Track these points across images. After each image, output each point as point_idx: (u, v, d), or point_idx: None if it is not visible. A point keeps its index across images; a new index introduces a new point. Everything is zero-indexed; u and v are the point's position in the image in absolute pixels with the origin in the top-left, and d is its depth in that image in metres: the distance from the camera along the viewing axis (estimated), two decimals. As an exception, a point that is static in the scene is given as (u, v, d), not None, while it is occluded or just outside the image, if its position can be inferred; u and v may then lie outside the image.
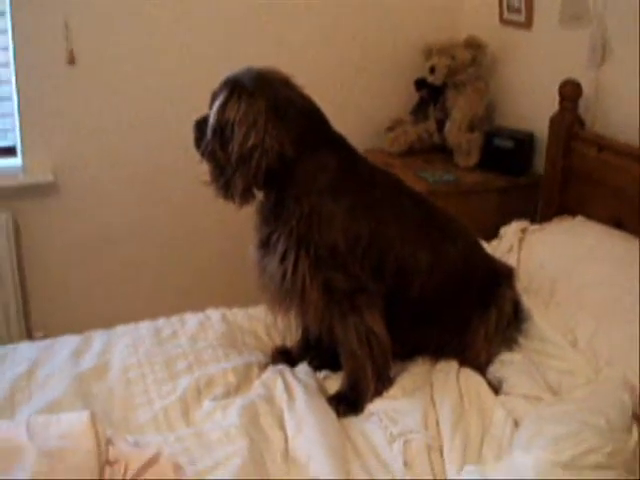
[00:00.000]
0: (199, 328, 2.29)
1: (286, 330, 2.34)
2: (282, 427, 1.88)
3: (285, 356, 2.20)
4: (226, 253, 3.16)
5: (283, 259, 1.93)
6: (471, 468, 1.71)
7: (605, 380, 1.95)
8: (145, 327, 2.29)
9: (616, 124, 2.64)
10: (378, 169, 2.09)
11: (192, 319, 2.34)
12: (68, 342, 2.22)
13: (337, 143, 1.99)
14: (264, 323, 2.37)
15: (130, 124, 2.98)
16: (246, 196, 1.95)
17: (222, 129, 1.89)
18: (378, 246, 1.97)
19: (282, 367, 2.13)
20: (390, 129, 3.21)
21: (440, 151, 3.18)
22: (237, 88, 1.89)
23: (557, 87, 2.74)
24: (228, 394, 2.00)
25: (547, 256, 2.41)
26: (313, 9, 3.09)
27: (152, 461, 1.60)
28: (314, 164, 1.93)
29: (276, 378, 2.06)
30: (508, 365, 2.10)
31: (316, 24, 3.11)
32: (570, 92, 2.68)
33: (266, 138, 1.85)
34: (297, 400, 1.96)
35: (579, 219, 2.61)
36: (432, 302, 2.07)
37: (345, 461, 1.76)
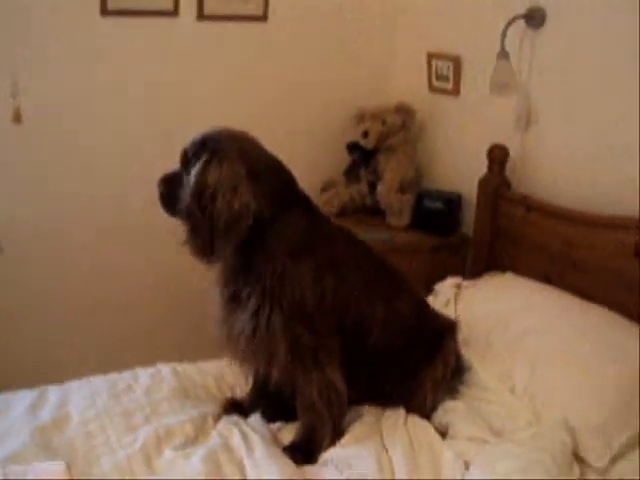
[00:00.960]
0: (152, 382, 2.30)
1: (235, 383, 2.39)
2: (243, 475, 1.90)
3: (237, 408, 2.24)
4: (175, 309, 3.19)
5: (255, 314, 1.97)
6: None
7: (546, 422, 2.03)
8: (99, 381, 2.29)
9: (541, 185, 2.81)
10: (339, 227, 2.20)
11: (144, 373, 2.35)
12: (22, 396, 2.19)
13: (304, 202, 2.09)
14: (214, 377, 2.41)
15: (77, 184, 2.97)
16: (225, 256, 1.98)
17: (201, 193, 1.91)
18: (341, 302, 2.05)
19: (236, 418, 2.17)
20: (324, 190, 3.30)
21: (371, 212, 3.28)
22: (217, 152, 1.93)
23: (484, 151, 2.90)
24: (187, 444, 2.02)
25: (482, 309, 2.52)
26: (247, 73, 3.19)
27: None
28: (286, 224, 2.00)
29: (232, 428, 2.09)
30: (452, 412, 2.18)
31: (250, 87, 3.20)
32: (498, 155, 2.85)
33: (250, 203, 1.90)
34: (255, 449, 1.99)
35: (509, 275, 2.73)
36: (384, 354, 2.15)
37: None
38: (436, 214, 3.10)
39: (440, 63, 3.17)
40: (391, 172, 3.19)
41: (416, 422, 2.15)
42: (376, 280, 2.15)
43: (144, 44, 2.95)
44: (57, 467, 1.63)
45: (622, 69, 2.49)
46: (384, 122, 3.19)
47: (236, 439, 2.03)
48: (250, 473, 1.89)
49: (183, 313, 3.19)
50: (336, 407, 2.07)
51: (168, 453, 1.97)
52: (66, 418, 2.09)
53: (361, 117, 3.27)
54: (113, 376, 2.34)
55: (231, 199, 1.89)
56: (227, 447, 2.00)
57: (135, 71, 2.97)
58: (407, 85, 3.40)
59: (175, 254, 2.90)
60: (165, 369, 2.39)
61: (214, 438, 2.05)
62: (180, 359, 2.47)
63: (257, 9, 3.10)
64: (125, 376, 2.35)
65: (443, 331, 2.27)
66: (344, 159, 3.40)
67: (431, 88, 3.26)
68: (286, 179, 2.06)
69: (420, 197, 3.12)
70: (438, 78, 3.20)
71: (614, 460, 1.99)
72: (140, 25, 2.90)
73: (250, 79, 3.19)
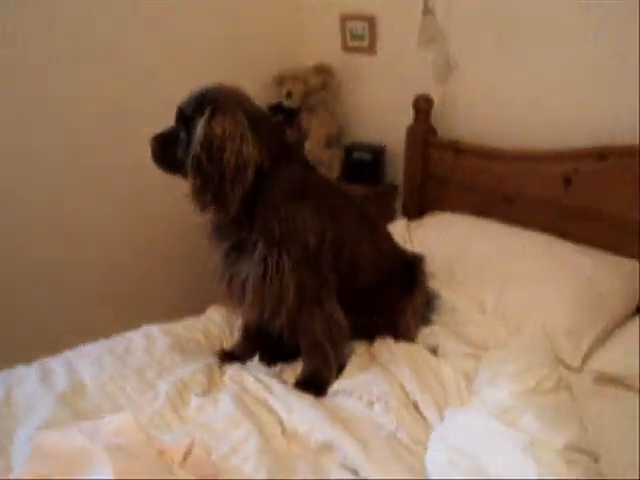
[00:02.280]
0: (147, 342, 2.35)
1: (221, 336, 2.49)
2: (271, 411, 2.01)
3: (230, 357, 2.34)
4: (155, 274, 3.35)
5: (264, 259, 2.08)
6: (452, 410, 1.95)
7: (526, 332, 2.30)
8: (96, 348, 2.30)
9: (466, 130, 3.07)
10: (325, 177, 2.36)
11: (135, 336, 2.39)
12: (26, 371, 2.18)
13: (295, 153, 2.22)
14: (201, 331, 2.48)
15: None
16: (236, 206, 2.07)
17: (210, 144, 1.99)
18: (337, 241, 2.20)
19: (239, 365, 2.26)
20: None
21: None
22: (219, 104, 2.02)
23: (405, 103, 3.13)
24: (206, 392, 2.09)
25: (437, 244, 2.75)
26: (171, 46, 3.23)
27: (189, 450, 1.67)
28: (285, 173, 2.12)
29: (242, 374, 2.19)
30: (433, 335, 2.39)
31: (171, 57, 3.24)
32: (423, 105, 3.08)
33: (254, 151, 2.01)
34: (273, 388, 2.10)
35: (447, 214, 2.98)
36: (371, 290, 2.32)
37: (345, 425, 1.91)
38: (364, 165, 3.30)
39: (354, 24, 3.34)
40: (316, 129, 3.34)
41: (406, 346, 2.33)
42: (361, 223, 2.33)
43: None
44: (127, 417, 1.68)
45: (532, 18, 2.79)
46: (306, 82, 3.34)
47: (250, 382, 2.14)
48: (279, 409, 2.01)
49: (162, 277, 3.31)
50: (339, 341, 2.23)
51: (195, 401, 2.05)
52: (81, 384, 2.11)
53: (281, 79, 3.40)
54: (106, 342, 2.36)
55: (239, 148, 1.99)
56: (246, 390, 2.10)
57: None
58: (321, 46, 3.55)
59: (156, 220, 3.01)
60: (153, 329, 2.44)
61: (229, 384, 2.15)
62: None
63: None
64: (118, 340, 2.37)
65: (414, 264, 2.47)
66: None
67: (345, 48, 3.44)
68: (277, 130, 2.19)
69: (348, 150, 3.31)
70: (353, 38, 3.37)
71: (586, 358, 2.26)
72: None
73: (175, 49, 3.23)
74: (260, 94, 3.32)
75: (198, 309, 2.66)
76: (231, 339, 2.48)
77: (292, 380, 2.22)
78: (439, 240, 2.77)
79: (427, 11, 2.84)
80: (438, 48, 2.88)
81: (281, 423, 1.97)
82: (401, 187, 3.28)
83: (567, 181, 2.72)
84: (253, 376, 2.18)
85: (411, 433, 1.93)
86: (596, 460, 1.75)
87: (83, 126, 2.99)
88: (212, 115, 2.00)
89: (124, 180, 3.15)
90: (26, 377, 2.14)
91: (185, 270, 3.39)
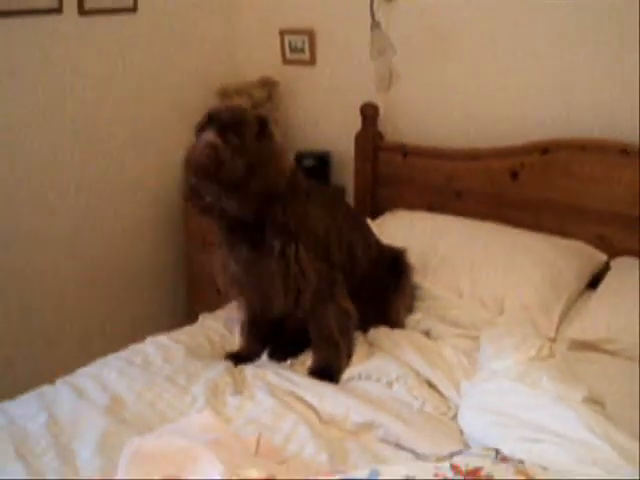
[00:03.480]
0: (163, 351, 2.44)
1: (222, 340, 2.61)
2: (302, 400, 2.17)
3: (239, 358, 2.47)
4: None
5: (283, 254, 2.24)
6: (466, 383, 2.18)
7: (508, 312, 2.56)
8: (112, 361, 2.37)
9: (410, 133, 3.32)
10: (321, 186, 2.60)
11: (146, 347, 2.48)
12: (54, 389, 2.23)
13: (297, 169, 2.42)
14: (205, 337, 2.59)
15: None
16: None
17: (259, 157, 2.16)
18: (339, 235, 2.40)
19: (254, 364, 2.40)
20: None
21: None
22: (261, 122, 2.23)
23: (347, 111, 3.36)
24: (237, 391, 2.22)
25: (404, 240, 2.94)
26: (118, 64, 3.32)
27: (258, 441, 1.82)
28: (295, 183, 2.31)
29: (261, 371, 2.33)
30: (422, 321, 2.61)
31: (119, 76, 3.34)
32: (369, 112, 3.31)
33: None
34: (295, 380, 2.26)
35: (406, 212, 3.22)
36: (366, 282, 2.52)
37: (376, 405, 2.11)
38: (311, 170, 3.48)
39: (293, 37, 3.53)
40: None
41: (402, 332, 2.54)
42: (351, 219, 2.55)
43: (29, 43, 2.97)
44: (208, 414, 1.80)
45: (468, 27, 3.10)
46: (250, 96, 3.48)
47: (273, 378, 2.28)
48: (309, 398, 2.17)
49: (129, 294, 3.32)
50: (350, 331, 2.43)
51: (232, 400, 2.17)
52: (119, 396, 2.17)
53: (224, 93, 3.52)
54: (117, 356, 2.43)
55: (285, 163, 2.24)
56: (271, 384, 2.24)
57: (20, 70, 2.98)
58: (260, 60, 3.71)
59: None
60: (161, 339, 2.52)
61: (255, 382, 2.28)
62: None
63: (128, 1, 3.22)
64: (128, 353, 2.44)
65: (397, 257, 2.69)
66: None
67: (285, 61, 3.61)
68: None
69: (298, 157, 3.48)
70: (292, 51, 3.55)
71: (559, 328, 2.56)
72: (23, 25, 2.91)
73: (119, 69, 3.32)
74: (203, 109, 3.46)
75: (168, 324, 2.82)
76: (233, 342, 2.59)
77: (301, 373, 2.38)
78: (406, 235, 2.98)
79: (375, 25, 3.06)
80: (388, 59, 3.08)
81: (315, 410, 2.13)
82: (348, 188, 3.47)
83: (514, 175, 3.01)
84: (272, 372, 2.31)
85: (435, 406, 2.14)
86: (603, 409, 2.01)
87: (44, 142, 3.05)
88: (261, 132, 2.19)
89: (82, 196, 3.23)
90: (59, 396, 2.18)
91: (154, 285, 3.47)
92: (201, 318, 2.77)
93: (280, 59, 3.63)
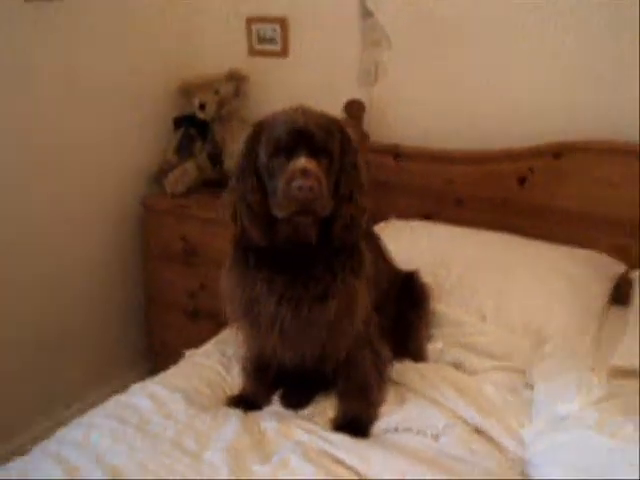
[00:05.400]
0: (158, 404, 2.05)
1: (221, 381, 2.25)
2: (341, 464, 1.83)
3: (244, 403, 2.11)
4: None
5: (340, 295, 1.90)
6: (529, 432, 1.90)
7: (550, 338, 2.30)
8: (98, 421, 1.98)
9: (400, 133, 3.01)
10: None
11: (136, 399, 2.08)
12: (33, 463, 1.83)
13: None
14: (199, 379, 2.22)
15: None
16: None
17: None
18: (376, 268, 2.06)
19: (270, 413, 2.07)
20: (162, 172, 3.11)
21: (217, 185, 3.18)
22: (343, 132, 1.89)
23: (326, 107, 2.99)
24: (265, 456, 1.86)
25: (407, 256, 2.64)
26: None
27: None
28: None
29: (284, 427, 1.97)
30: (445, 352, 2.32)
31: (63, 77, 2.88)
32: (355, 109, 2.97)
33: None
34: (328, 438, 1.92)
35: (399, 222, 2.90)
36: (382, 311, 2.18)
37: (433, 468, 1.80)
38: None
39: (262, 26, 3.14)
40: (233, 142, 3.11)
41: (432, 367, 2.23)
42: (375, 242, 2.21)
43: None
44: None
45: (468, 18, 2.81)
46: (217, 92, 3.10)
47: (301, 435, 1.92)
48: (350, 461, 1.83)
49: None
50: (385, 378, 2.11)
51: (260, 469, 1.82)
52: (119, 472, 1.77)
53: (187, 90, 3.14)
54: (107, 411, 2.04)
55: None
56: (301, 445, 1.89)
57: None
58: (222, 52, 3.32)
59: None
60: (151, 387, 2.15)
61: (279, 440, 1.93)
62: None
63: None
64: (117, 407, 2.05)
65: (412, 278, 2.38)
66: (167, 137, 3.23)
67: (252, 52, 3.23)
68: None
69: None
70: (261, 41, 3.17)
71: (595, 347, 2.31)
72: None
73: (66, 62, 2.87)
74: (163, 107, 3.06)
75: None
76: (233, 383, 2.23)
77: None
78: (409, 250, 2.66)
79: (367, 14, 2.73)
80: (381, 52, 2.75)
81: (361, 476, 1.79)
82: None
83: (521, 180, 2.75)
84: (296, 426, 1.97)
85: (498, 462, 1.85)
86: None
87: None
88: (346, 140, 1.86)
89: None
90: (39, 473, 1.77)
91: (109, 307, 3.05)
92: (188, 355, 2.37)
93: (245, 50, 3.21)
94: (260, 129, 1.86)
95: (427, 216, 2.90)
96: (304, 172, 1.73)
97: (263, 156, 1.83)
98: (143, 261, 3.21)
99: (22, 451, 2.44)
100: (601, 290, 2.53)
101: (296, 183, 1.72)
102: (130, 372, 3.30)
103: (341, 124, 1.89)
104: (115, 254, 3.14)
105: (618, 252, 2.65)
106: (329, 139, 1.81)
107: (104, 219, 3.08)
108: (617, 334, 2.39)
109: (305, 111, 1.86)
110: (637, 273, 2.60)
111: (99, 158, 2.99)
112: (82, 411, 2.84)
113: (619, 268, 2.64)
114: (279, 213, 1.80)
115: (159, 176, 3.13)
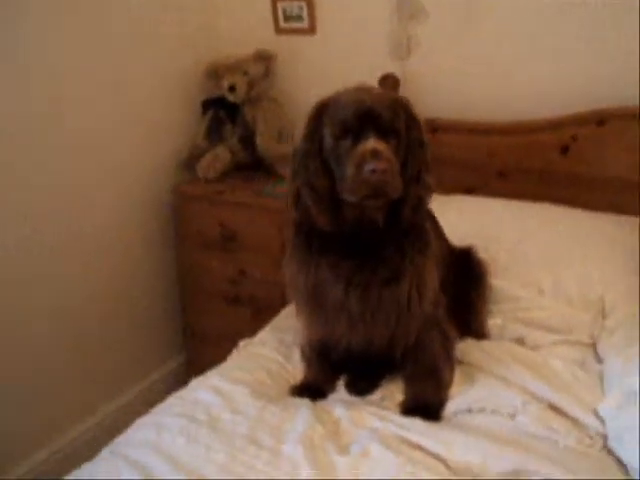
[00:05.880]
0: (224, 398, 2.00)
1: (281, 369, 2.22)
2: (422, 449, 1.79)
3: (309, 391, 2.07)
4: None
5: (414, 279, 1.87)
6: (607, 408, 1.86)
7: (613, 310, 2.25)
8: (167, 420, 1.92)
9: (435, 107, 2.94)
10: None
11: (201, 395, 2.03)
12: (107, 468, 1.78)
13: None
14: (259, 369, 2.18)
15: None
16: None
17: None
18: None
19: (340, 401, 2.03)
20: (194, 158, 3.06)
21: (250, 168, 3.14)
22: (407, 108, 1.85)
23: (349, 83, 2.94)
24: (343, 446, 1.82)
25: (455, 231, 2.58)
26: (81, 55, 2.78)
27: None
28: None
29: (356, 414, 1.93)
30: (505, 327, 2.28)
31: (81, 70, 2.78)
32: (390, 84, 2.90)
33: None
34: (402, 423, 1.87)
35: (440, 196, 2.83)
36: (451, 293, 2.15)
37: (513, 447, 1.76)
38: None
39: (288, 4, 3.07)
40: (264, 123, 3.07)
41: (495, 344, 2.20)
42: (435, 223, 2.17)
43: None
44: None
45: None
46: (246, 73, 3.03)
47: (373, 421, 1.88)
48: (432, 446, 1.79)
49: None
50: (453, 359, 2.07)
51: (340, 459, 1.77)
52: (200, 474, 1.74)
53: (214, 72, 3.07)
54: (172, 409, 1.98)
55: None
56: (378, 432, 1.85)
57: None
58: (246, 31, 3.24)
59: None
60: (214, 381, 2.09)
61: (353, 429, 1.88)
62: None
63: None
64: (180, 405, 2.00)
65: (468, 255, 2.34)
66: (195, 121, 3.17)
67: (278, 30, 3.15)
68: None
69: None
70: (287, 19, 3.10)
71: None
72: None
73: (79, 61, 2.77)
74: (191, 91, 3.00)
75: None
76: (293, 371, 2.20)
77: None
78: (456, 226, 2.58)
79: (401, -15, 2.65)
80: (420, 24, 2.68)
81: (442, 460, 1.75)
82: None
83: (564, 149, 2.70)
84: (369, 413, 1.93)
85: (579, 439, 1.82)
86: None
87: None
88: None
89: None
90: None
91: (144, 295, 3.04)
92: (241, 345, 2.33)
93: (272, 29, 3.13)
94: (323, 110, 1.80)
95: (469, 190, 2.85)
96: (375, 154, 1.68)
97: (328, 138, 1.78)
98: (177, 249, 3.14)
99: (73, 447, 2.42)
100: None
101: (368, 166, 1.67)
102: (166, 363, 3.27)
103: (405, 102, 1.83)
104: (148, 243, 3.08)
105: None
106: (396, 118, 1.76)
107: (135, 207, 3.01)
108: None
109: (369, 90, 1.81)
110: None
111: (127, 145, 2.91)
112: (125, 406, 2.88)
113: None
114: (349, 197, 1.74)
115: (190, 162, 3.07)
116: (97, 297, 2.89)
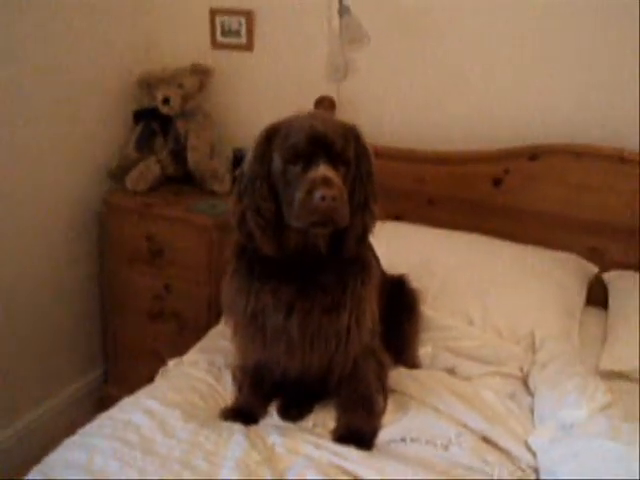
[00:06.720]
0: (155, 420, 1.93)
1: (214, 392, 2.16)
2: (355, 476, 1.78)
3: (240, 415, 2.02)
4: None
5: (353, 306, 1.85)
6: (537, 440, 1.89)
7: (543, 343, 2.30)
8: (98, 441, 1.84)
9: (370, 132, 2.94)
10: None
11: (131, 415, 1.95)
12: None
13: None
14: (190, 391, 2.12)
15: None
16: None
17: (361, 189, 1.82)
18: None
19: (271, 426, 1.99)
20: (121, 168, 2.98)
21: (178, 182, 3.09)
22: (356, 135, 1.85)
23: (291, 103, 2.92)
24: (279, 473, 1.78)
25: (386, 257, 2.60)
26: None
27: None
28: None
29: (290, 441, 1.89)
30: (436, 357, 2.30)
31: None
32: (327, 106, 2.90)
33: None
34: (337, 451, 1.85)
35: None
36: (386, 321, 2.15)
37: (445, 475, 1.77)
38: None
39: (227, 19, 3.04)
40: (197, 138, 3.01)
41: (427, 373, 2.20)
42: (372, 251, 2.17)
43: None
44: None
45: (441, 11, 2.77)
46: (181, 85, 2.98)
47: (308, 449, 1.85)
48: (366, 475, 1.78)
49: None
50: (386, 387, 2.07)
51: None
52: None
53: (147, 82, 3.00)
54: (103, 431, 1.90)
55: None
56: (313, 460, 1.82)
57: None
58: (181, 44, 3.18)
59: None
60: (144, 402, 2.02)
61: (289, 456, 1.84)
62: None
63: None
64: (117, 427, 1.91)
65: (401, 283, 2.35)
66: (126, 131, 3.09)
67: (215, 45, 3.11)
68: None
69: (237, 158, 3.02)
70: (225, 34, 3.07)
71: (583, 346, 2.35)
72: None
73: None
74: (122, 100, 2.93)
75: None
76: (224, 393, 2.15)
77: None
78: (387, 252, 2.60)
79: (343, 10, 2.66)
80: (363, 48, 2.69)
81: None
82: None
83: (496, 181, 2.75)
84: (304, 440, 1.90)
85: (511, 471, 1.84)
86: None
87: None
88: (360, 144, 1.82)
89: None
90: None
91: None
92: (172, 364, 2.27)
93: (208, 42, 3.09)
94: (273, 133, 1.78)
95: (398, 216, 2.85)
96: (326, 181, 1.67)
97: (277, 162, 1.75)
98: (103, 261, 3.05)
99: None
100: (579, 292, 2.56)
101: (318, 193, 1.65)
102: (83, 377, 3.16)
103: (357, 131, 1.82)
104: (73, 254, 2.97)
105: (590, 254, 2.67)
106: (347, 147, 1.75)
107: (62, 217, 2.90)
108: (594, 336, 2.43)
109: (322, 117, 1.80)
110: (610, 275, 2.63)
111: (54, 153, 2.80)
112: (39, 419, 2.77)
113: (592, 270, 2.67)
114: (296, 223, 1.72)
115: (118, 172, 2.98)
116: (15, 310, 2.75)
